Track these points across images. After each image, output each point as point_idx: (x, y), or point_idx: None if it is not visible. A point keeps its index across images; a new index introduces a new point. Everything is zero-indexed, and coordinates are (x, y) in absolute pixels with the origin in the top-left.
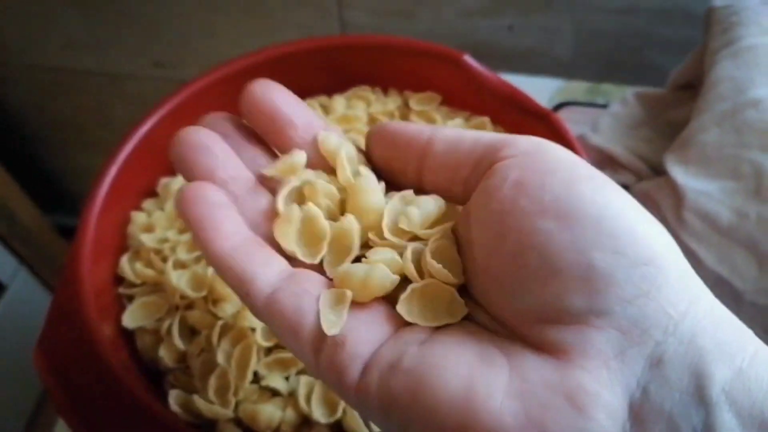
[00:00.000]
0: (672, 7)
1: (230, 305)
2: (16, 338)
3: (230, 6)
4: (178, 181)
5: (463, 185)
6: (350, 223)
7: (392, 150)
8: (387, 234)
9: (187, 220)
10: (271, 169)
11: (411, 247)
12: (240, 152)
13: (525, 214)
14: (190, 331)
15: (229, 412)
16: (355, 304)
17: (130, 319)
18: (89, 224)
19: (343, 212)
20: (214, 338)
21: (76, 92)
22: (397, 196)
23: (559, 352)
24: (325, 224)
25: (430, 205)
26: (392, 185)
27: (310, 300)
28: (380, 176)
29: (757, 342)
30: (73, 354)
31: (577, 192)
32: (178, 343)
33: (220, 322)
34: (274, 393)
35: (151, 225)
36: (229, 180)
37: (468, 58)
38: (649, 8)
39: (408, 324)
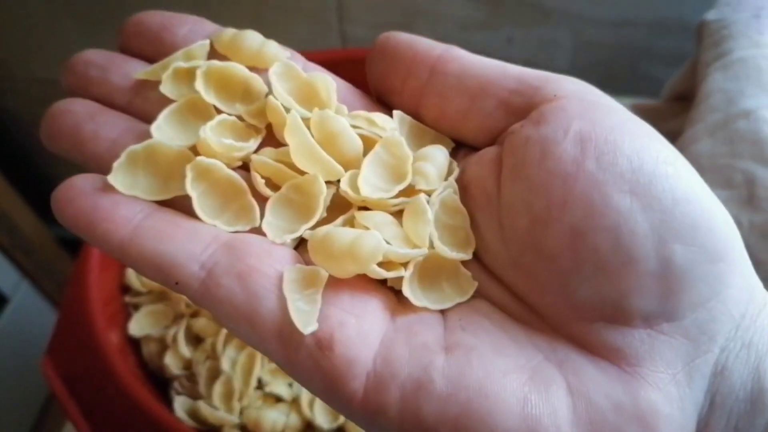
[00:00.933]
0: (668, 20)
1: None
2: (19, 350)
3: (232, 20)
4: None
5: (481, 120)
6: (312, 181)
7: (392, 62)
8: (366, 191)
9: (71, 225)
10: (142, 73)
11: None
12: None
13: (595, 182)
14: (195, 339)
15: (234, 418)
16: (335, 285)
17: (136, 327)
18: None
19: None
20: (219, 345)
21: None
22: (379, 145)
23: (622, 361)
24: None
25: (441, 157)
26: (383, 107)
27: (263, 279)
28: (375, 97)
29: None
30: (81, 362)
31: (653, 160)
32: (184, 350)
33: (224, 330)
34: (278, 399)
35: None
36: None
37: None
38: (646, 21)
39: (402, 309)
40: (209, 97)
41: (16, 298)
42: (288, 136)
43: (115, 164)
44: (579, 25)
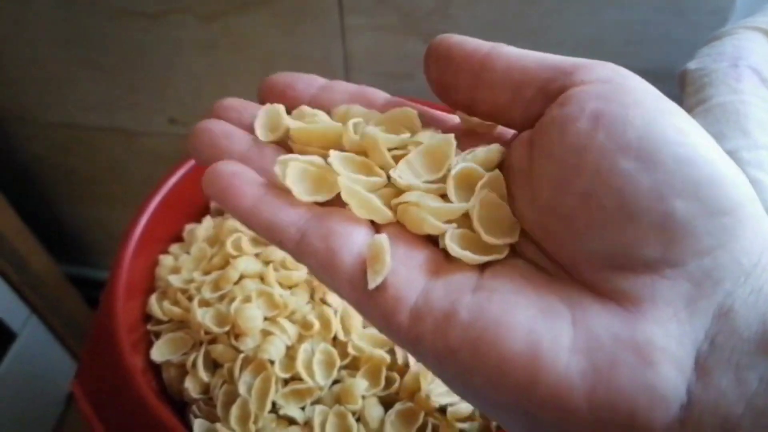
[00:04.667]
0: (654, 69)
1: (251, 339)
2: (26, 385)
3: (242, 68)
4: (202, 228)
5: (524, 108)
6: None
7: (447, 62)
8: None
9: (213, 195)
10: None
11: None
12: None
13: (604, 151)
14: (213, 364)
15: None
16: (395, 240)
17: (158, 353)
18: (122, 267)
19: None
20: (236, 371)
21: (91, 148)
22: (414, 152)
23: (627, 302)
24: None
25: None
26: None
27: (340, 239)
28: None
29: None
30: (108, 384)
31: (661, 130)
32: (203, 375)
33: (241, 356)
34: (291, 422)
35: (178, 267)
36: (241, 150)
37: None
38: (635, 69)
39: (447, 264)
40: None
41: (24, 333)
42: (345, 197)
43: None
44: None
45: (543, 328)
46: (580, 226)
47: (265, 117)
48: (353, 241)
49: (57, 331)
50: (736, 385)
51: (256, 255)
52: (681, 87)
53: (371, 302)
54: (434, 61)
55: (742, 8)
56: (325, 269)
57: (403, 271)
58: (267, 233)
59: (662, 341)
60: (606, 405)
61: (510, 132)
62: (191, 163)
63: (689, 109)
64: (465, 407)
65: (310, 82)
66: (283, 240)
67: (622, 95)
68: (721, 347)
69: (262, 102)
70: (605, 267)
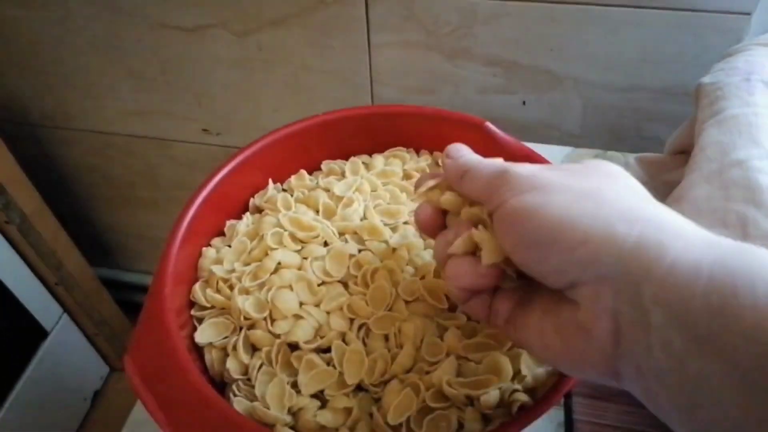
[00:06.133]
0: (670, 86)
1: (285, 323)
2: (54, 384)
3: (273, 81)
4: (242, 224)
5: (485, 204)
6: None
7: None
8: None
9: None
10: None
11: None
12: None
13: (511, 247)
14: (252, 348)
15: (286, 417)
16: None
17: (201, 336)
18: (170, 256)
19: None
20: (273, 353)
21: (127, 155)
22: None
23: (574, 301)
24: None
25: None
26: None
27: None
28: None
29: (675, 252)
30: (157, 361)
31: (525, 227)
32: (243, 357)
33: (278, 341)
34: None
35: (220, 259)
36: None
37: (489, 124)
38: (651, 87)
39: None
40: None
41: (55, 332)
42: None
43: None
44: (588, 90)
45: (542, 321)
46: (536, 277)
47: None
48: None
49: (87, 331)
50: (631, 332)
51: (297, 251)
52: (695, 101)
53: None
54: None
55: (755, 28)
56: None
57: (503, 306)
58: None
59: (591, 319)
60: (574, 357)
61: None
62: (232, 164)
63: (703, 121)
64: (494, 395)
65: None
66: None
67: (503, 217)
68: (621, 315)
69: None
70: (559, 290)
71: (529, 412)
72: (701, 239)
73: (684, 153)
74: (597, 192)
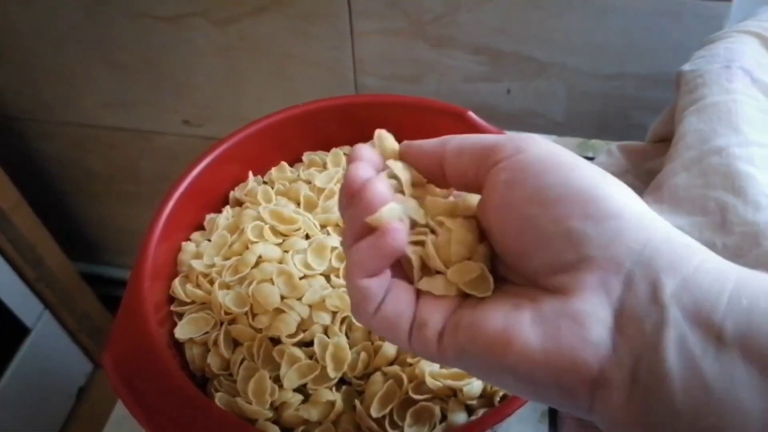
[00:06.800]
0: (655, 73)
1: (266, 317)
2: (38, 381)
3: (255, 71)
4: (222, 217)
5: (474, 181)
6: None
7: (420, 162)
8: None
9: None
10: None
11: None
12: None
13: (517, 205)
14: (233, 342)
15: (267, 412)
16: (431, 297)
17: (181, 331)
18: (149, 250)
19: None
20: (255, 348)
21: (107, 147)
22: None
23: (564, 291)
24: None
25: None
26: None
27: (403, 306)
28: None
29: (703, 255)
30: (136, 357)
31: (547, 178)
32: (224, 351)
33: (259, 335)
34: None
35: (200, 253)
36: None
37: (471, 114)
38: (635, 74)
39: (464, 300)
40: None
41: (37, 329)
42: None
43: None
44: (573, 78)
45: (512, 317)
46: (522, 253)
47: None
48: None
49: (69, 327)
50: (638, 329)
51: (278, 245)
52: (676, 88)
53: (418, 339)
54: (412, 162)
55: (736, 14)
56: (393, 329)
57: (435, 312)
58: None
59: (588, 309)
60: (555, 353)
61: None
62: (211, 156)
63: (683, 109)
64: (477, 386)
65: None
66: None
67: (522, 164)
68: (628, 307)
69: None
70: (547, 273)
71: (511, 402)
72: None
73: (666, 141)
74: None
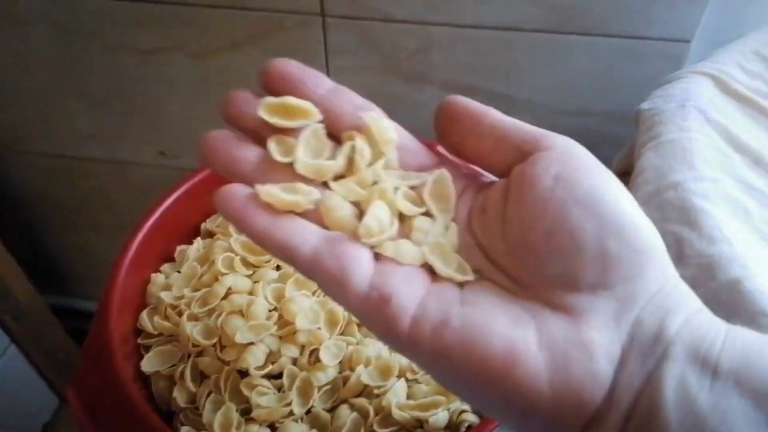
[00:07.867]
0: (618, 110)
1: (235, 351)
2: (2, 417)
3: (236, 66)
4: (193, 248)
5: (501, 159)
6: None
7: (450, 113)
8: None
9: (226, 217)
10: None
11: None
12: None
13: (562, 202)
14: (200, 375)
15: None
16: (395, 264)
17: (148, 364)
18: (117, 283)
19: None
20: (222, 380)
21: (80, 178)
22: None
23: (573, 313)
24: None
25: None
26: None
27: (351, 260)
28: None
29: (700, 303)
30: (101, 390)
31: (600, 189)
32: (190, 385)
33: (227, 367)
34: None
35: (169, 285)
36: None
37: (440, 148)
38: (599, 111)
39: (437, 281)
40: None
41: (2, 363)
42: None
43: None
44: (541, 114)
45: (517, 333)
46: (542, 256)
47: (277, 147)
48: (362, 262)
49: (36, 361)
50: (641, 366)
51: (248, 276)
52: (636, 125)
53: (377, 312)
54: (442, 111)
55: (694, 56)
56: (337, 284)
57: (403, 287)
58: (281, 251)
59: (599, 340)
60: (562, 387)
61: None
62: (183, 188)
63: (642, 145)
64: (442, 417)
65: (318, 82)
66: (297, 257)
67: (574, 161)
68: (635, 343)
69: (267, 88)
70: (558, 287)
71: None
72: None
73: (629, 174)
74: None
